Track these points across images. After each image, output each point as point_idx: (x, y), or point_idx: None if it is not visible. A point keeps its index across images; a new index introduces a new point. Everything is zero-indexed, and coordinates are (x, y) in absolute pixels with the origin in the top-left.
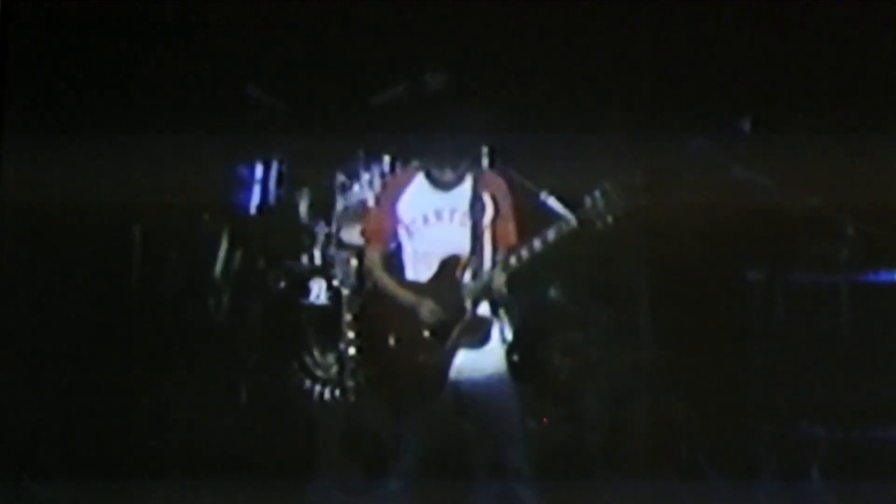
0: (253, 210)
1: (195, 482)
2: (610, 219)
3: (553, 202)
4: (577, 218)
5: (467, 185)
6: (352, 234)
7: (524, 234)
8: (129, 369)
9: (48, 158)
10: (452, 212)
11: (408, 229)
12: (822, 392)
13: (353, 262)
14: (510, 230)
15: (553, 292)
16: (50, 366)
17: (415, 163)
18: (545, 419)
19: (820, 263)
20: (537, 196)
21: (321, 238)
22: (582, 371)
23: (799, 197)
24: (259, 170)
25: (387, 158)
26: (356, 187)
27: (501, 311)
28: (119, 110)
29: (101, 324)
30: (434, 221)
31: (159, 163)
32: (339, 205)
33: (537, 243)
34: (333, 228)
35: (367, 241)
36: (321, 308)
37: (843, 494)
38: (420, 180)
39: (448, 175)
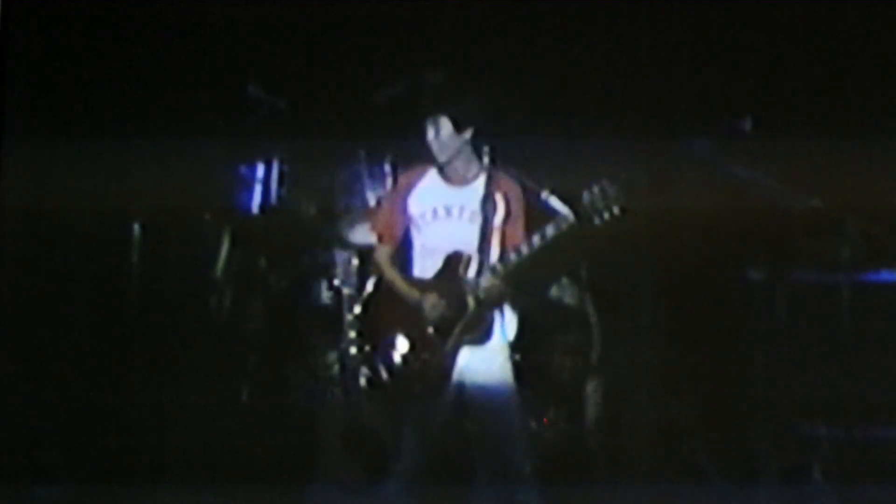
0: (254, 210)
1: (197, 484)
2: (607, 215)
3: (554, 201)
4: (575, 213)
5: (480, 183)
6: (356, 233)
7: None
8: (130, 371)
9: (49, 159)
10: (462, 208)
11: (417, 224)
12: (822, 392)
13: (355, 261)
14: (519, 231)
15: (553, 291)
16: (51, 367)
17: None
18: (545, 419)
19: (821, 263)
20: (545, 197)
21: (322, 238)
22: (582, 371)
23: (799, 197)
24: (260, 170)
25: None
26: (357, 187)
27: (503, 309)
28: (120, 111)
29: (102, 325)
30: (443, 216)
31: (160, 163)
32: (341, 204)
33: (536, 239)
34: (335, 228)
35: (379, 237)
36: (323, 308)
37: (844, 495)
38: (433, 175)
39: (461, 172)
